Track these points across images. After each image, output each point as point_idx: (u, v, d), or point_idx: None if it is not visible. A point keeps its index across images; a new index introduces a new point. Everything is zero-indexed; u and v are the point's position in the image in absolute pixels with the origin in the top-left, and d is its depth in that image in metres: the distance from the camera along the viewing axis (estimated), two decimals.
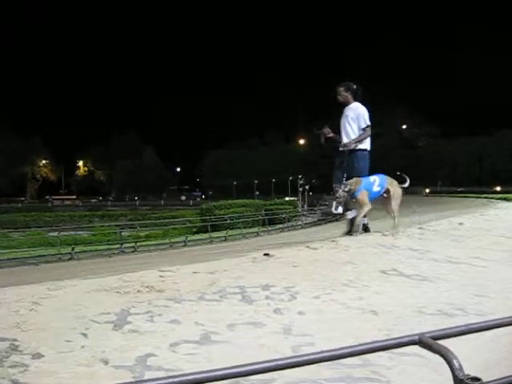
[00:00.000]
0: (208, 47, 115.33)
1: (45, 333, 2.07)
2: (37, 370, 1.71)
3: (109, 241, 19.79)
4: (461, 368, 0.70)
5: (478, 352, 1.88)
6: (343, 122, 6.33)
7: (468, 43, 76.28)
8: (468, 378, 0.69)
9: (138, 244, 17.95)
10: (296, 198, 48.29)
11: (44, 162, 79.31)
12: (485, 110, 67.19)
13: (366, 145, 6.28)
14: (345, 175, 5.98)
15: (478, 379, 0.69)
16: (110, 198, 78.55)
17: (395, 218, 6.00)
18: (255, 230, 23.49)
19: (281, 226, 25.76)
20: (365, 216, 6.04)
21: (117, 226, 27.28)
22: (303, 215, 33.07)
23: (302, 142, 66.79)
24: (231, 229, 22.06)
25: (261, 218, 26.72)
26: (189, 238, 19.26)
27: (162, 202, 70.69)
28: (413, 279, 3.31)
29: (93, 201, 76.25)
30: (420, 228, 6.14)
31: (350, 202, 5.83)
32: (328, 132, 6.42)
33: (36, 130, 72.72)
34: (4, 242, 18.43)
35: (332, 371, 1.70)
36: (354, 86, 6.36)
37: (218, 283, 2.98)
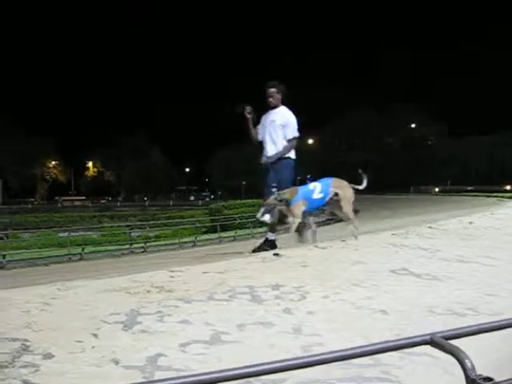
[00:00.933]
0: (219, 47, 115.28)
1: (55, 333, 2.08)
2: (48, 371, 1.72)
3: (118, 241, 19.85)
4: (473, 368, 0.70)
5: (489, 352, 1.87)
6: (269, 127, 5.73)
7: (487, 42, 75.50)
8: (480, 378, 0.69)
9: (148, 244, 18.01)
10: None
11: (54, 163, 79.68)
12: (495, 108, 66.76)
13: (291, 153, 5.77)
14: (274, 184, 5.45)
15: (490, 379, 0.69)
16: (120, 199, 78.74)
17: (353, 222, 5.42)
18: (264, 229, 23.32)
19: None
20: (272, 231, 5.60)
21: (126, 226, 27.31)
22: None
23: (311, 141, 66.57)
24: (240, 228, 22.02)
25: None
26: (198, 238, 19.27)
27: (171, 202, 70.67)
28: (423, 278, 3.30)
29: (102, 201, 76.39)
30: (430, 227, 6.12)
31: (287, 211, 5.25)
32: (250, 111, 5.81)
33: (46, 131, 73.16)
34: (15, 242, 18.57)
35: (343, 371, 1.69)
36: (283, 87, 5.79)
37: (228, 283, 2.98)
